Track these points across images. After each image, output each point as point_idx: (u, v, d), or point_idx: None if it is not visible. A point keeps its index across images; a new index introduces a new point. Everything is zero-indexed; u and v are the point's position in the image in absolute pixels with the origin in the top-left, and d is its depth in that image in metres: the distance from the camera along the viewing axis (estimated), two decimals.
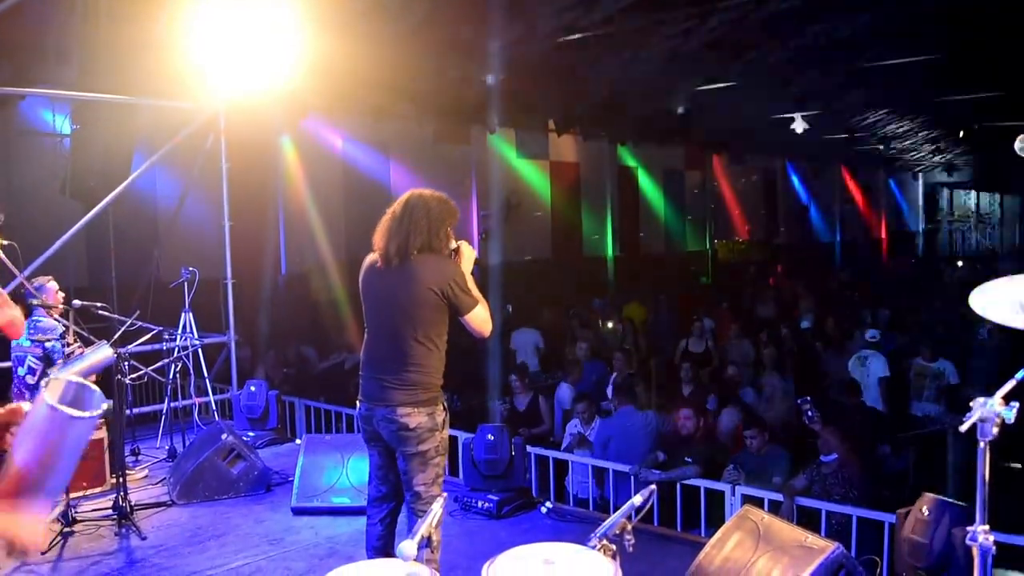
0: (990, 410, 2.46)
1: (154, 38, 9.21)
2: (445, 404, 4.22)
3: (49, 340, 6.44)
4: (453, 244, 4.20)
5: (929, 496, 4.38)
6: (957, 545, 4.14)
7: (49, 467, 2.09)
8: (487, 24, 13.71)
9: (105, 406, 2.21)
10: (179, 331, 8.70)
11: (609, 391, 9.53)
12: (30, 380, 6.46)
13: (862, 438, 7.77)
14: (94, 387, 2.19)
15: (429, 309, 4.05)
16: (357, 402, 4.31)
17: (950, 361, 10.18)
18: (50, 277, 6.86)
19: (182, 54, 8.71)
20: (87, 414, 2.12)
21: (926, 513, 4.29)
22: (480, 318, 4.13)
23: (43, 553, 5.43)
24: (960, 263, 25.99)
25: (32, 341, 6.42)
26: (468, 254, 4.24)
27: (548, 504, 6.39)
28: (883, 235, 36.27)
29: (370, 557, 4.31)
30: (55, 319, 6.62)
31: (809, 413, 6.30)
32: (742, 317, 14.94)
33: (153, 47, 9.38)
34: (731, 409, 8.30)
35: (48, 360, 6.36)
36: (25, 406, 2.27)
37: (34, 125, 11.13)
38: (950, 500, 4.31)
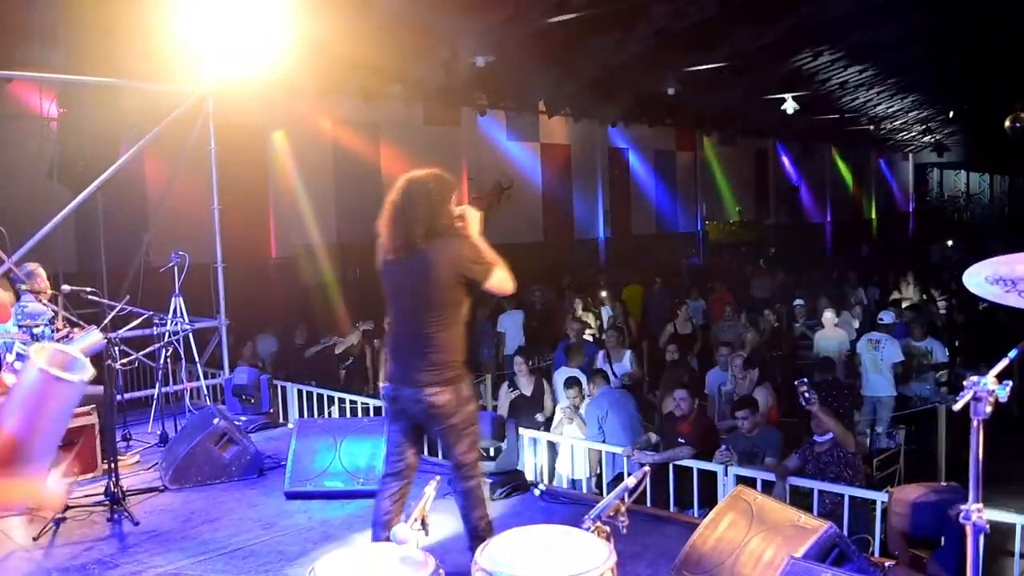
0: (984, 388, 2.46)
1: (142, 21, 9.14)
2: (470, 379, 4.34)
3: (38, 326, 6.39)
4: (456, 211, 4.23)
5: (955, 484, 4.40)
6: (951, 520, 4.16)
7: (38, 431, 2.10)
8: (477, 5, 13.64)
9: (91, 371, 2.29)
10: (170, 316, 8.65)
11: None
12: (18, 366, 6.41)
13: (838, 413, 7.82)
14: (80, 355, 2.29)
15: (447, 292, 4.13)
16: (381, 383, 4.44)
17: (938, 340, 10.21)
18: (36, 264, 6.81)
19: (170, 37, 8.64)
20: (75, 377, 2.21)
21: (942, 483, 4.31)
22: (500, 279, 4.22)
23: (35, 539, 5.42)
24: (950, 242, 26.04)
25: (20, 327, 6.37)
26: (474, 218, 4.27)
27: (541, 486, 6.39)
28: (873, 215, 36.36)
29: (375, 531, 4.39)
30: (44, 304, 6.57)
31: (806, 395, 6.31)
32: (739, 298, 15.04)
33: (141, 30, 9.31)
34: (763, 387, 8.38)
35: None
36: (8, 379, 2.32)
37: (21, 108, 11.04)
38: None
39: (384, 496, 4.43)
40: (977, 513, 2.55)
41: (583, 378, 8.92)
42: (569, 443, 7.59)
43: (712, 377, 9.58)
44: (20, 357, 6.38)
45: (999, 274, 2.76)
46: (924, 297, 14.08)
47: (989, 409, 2.47)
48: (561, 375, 9.41)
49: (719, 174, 27.00)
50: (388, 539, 4.16)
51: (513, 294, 5.30)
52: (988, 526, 2.58)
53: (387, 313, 4.37)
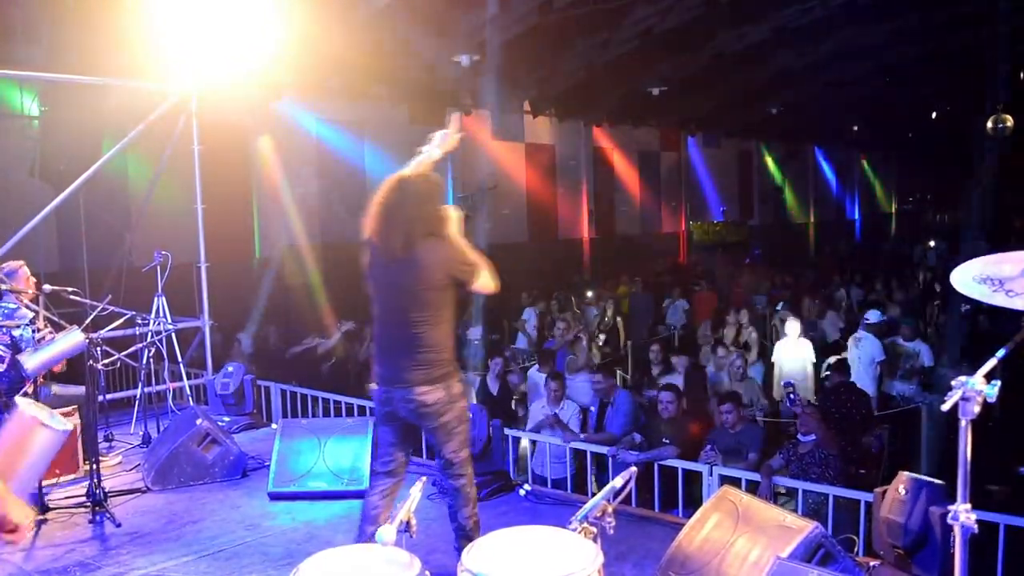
0: (972, 388, 2.45)
1: (124, 19, 9.09)
2: (460, 377, 4.38)
3: (17, 327, 6.31)
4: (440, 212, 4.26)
5: (905, 475, 4.39)
6: (935, 523, 4.16)
7: (16, 469, 2.19)
8: (462, 5, 13.63)
9: (68, 426, 2.53)
10: (152, 316, 8.59)
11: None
12: None
13: (855, 418, 7.80)
14: (57, 414, 2.57)
15: (438, 292, 4.17)
16: (372, 385, 4.43)
17: (926, 343, 10.22)
18: (22, 262, 6.74)
19: (153, 35, 8.59)
20: (57, 426, 2.42)
21: (903, 492, 4.30)
22: (485, 280, 4.28)
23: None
24: (932, 243, 26.16)
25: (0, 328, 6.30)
26: (455, 217, 4.30)
27: (527, 487, 6.37)
28: (857, 216, 36.54)
29: (362, 526, 4.43)
30: (25, 305, 6.50)
31: (791, 396, 6.31)
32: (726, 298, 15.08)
33: (124, 28, 9.25)
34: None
35: (16, 348, 6.23)
36: None
37: (1, 106, 10.94)
38: (926, 478, 4.32)
39: (374, 492, 4.48)
40: (965, 513, 2.53)
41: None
42: (551, 443, 7.55)
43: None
44: None
45: (986, 273, 2.75)
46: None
47: (977, 409, 2.46)
48: (539, 376, 9.35)
49: (703, 175, 27.06)
50: (374, 534, 4.18)
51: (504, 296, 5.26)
52: (976, 527, 2.56)
53: (374, 314, 4.36)
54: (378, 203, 4.19)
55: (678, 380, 8.72)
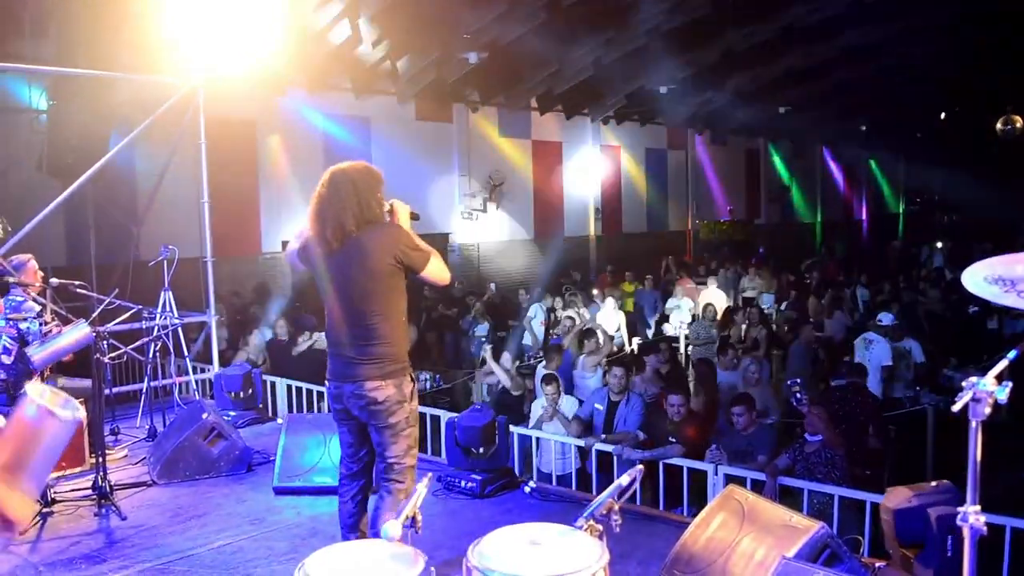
0: (983, 390, 2.42)
1: (132, 13, 9.09)
2: (413, 375, 4.23)
3: (24, 320, 6.31)
4: (386, 206, 4.20)
5: (948, 482, 4.40)
6: (931, 523, 4.15)
7: (29, 463, 2.20)
8: (469, 1, 13.61)
9: (81, 414, 2.50)
10: (158, 310, 8.60)
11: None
12: (5, 360, 6.33)
13: (859, 419, 7.77)
14: (72, 399, 2.49)
15: (386, 280, 4.06)
16: (326, 382, 4.32)
17: (915, 340, 10.20)
18: (30, 256, 6.75)
19: (161, 29, 8.59)
20: (68, 415, 2.40)
21: (933, 484, 4.31)
22: (436, 268, 4.18)
23: (21, 534, 5.37)
24: (940, 244, 26.04)
25: (7, 320, 6.30)
26: (403, 211, 4.25)
27: (532, 484, 6.36)
28: (864, 216, 36.42)
29: (344, 534, 4.36)
30: (33, 299, 6.50)
31: (797, 395, 6.29)
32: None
33: (131, 23, 9.26)
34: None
35: (23, 341, 6.24)
36: None
37: (10, 101, 10.95)
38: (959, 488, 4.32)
39: (347, 498, 4.41)
40: (975, 515, 2.50)
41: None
42: (555, 440, 7.54)
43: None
44: (7, 351, 6.31)
45: (998, 274, 2.73)
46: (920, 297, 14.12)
47: (988, 411, 2.43)
48: (540, 373, 9.33)
49: (711, 173, 27.00)
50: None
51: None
52: (985, 529, 2.53)
53: (325, 310, 4.29)
54: (315, 196, 4.16)
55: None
